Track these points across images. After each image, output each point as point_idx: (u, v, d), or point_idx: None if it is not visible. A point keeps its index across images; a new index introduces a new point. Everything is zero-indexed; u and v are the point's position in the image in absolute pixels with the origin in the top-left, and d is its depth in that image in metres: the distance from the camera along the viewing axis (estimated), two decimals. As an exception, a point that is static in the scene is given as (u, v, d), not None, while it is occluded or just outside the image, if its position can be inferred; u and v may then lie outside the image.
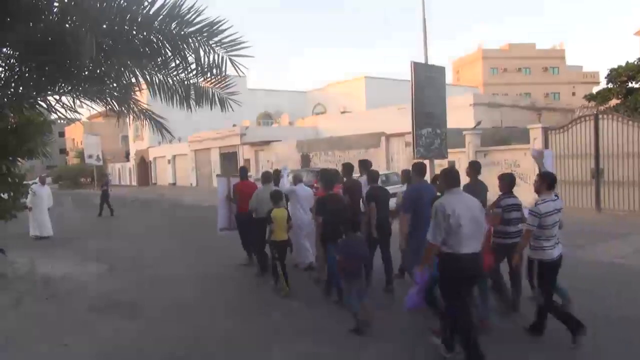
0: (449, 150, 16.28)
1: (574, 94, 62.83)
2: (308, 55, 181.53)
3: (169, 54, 6.10)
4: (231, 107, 7.14)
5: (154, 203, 24.36)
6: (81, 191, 39.24)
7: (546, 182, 4.76)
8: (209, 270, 8.62)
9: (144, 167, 45.37)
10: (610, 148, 12.87)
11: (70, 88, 5.83)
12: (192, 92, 6.90)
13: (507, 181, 5.53)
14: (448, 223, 4.06)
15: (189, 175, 37.20)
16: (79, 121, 57.31)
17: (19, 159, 7.85)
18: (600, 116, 13.30)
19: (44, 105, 5.79)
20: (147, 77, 6.66)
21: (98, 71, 6.31)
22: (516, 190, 9.75)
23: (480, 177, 6.75)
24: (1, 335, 5.71)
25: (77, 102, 5.98)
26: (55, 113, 5.82)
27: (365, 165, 7.82)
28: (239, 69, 5.45)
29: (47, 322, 6.24)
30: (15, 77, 5.62)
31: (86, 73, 5.94)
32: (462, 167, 16.53)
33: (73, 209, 23.56)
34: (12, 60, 5.58)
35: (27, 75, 5.68)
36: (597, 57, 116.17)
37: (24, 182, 7.80)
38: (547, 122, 17.20)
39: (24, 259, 9.46)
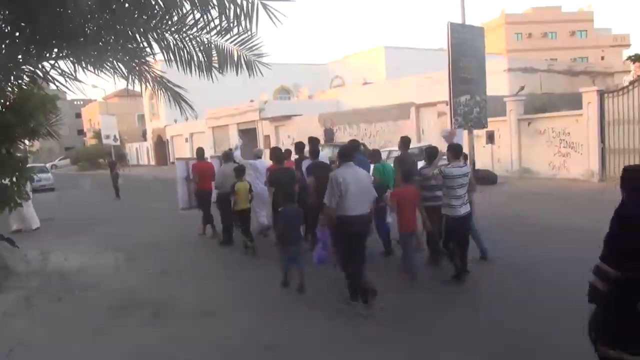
0: (488, 119, 15.05)
1: (603, 57, 59.86)
2: (323, 26, 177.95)
3: (187, 6, 5.01)
4: (260, 71, 6.07)
5: (172, 183, 23.54)
6: (100, 172, 38.78)
7: (452, 152, 5.81)
8: (228, 258, 7.91)
9: (161, 146, 44.68)
10: (678, 111, 11.45)
11: (68, 52, 4.80)
12: (214, 54, 5.83)
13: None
14: (339, 189, 4.86)
15: (207, 153, 36.30)
16: (94, 100, 56.86)
17: (21, 140, 6.90)
18: (665, 76, 11.83)
19: (39, 74, 4.78)
20: (161, 38, 5.60)
21: (102, 32, 5.27)
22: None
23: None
24: (7, 342, 4.86)
25: (79, 68, 4.96)
26: (53, 82, 4.81)
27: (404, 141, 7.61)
28: (275, 17, 4.33)
29: (60, 326, 5.39)
30: (3, 36, 4.61)
31: (88, 32, 4.90)
32: (503, 137, 15.49)
33: (90, 192, 22.96)
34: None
35: (16, 36, 4.66)
36: (627, 18, 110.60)
37: (27, 166, 6.84)
38: (585, 87, 15.52)
39: (37, 251, 8.65)
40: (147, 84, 5.75)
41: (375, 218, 6.23)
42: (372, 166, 7.43)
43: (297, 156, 8.49)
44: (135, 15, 5.34)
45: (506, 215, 9.79)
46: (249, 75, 6.14)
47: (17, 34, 4.76)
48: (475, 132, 15.26)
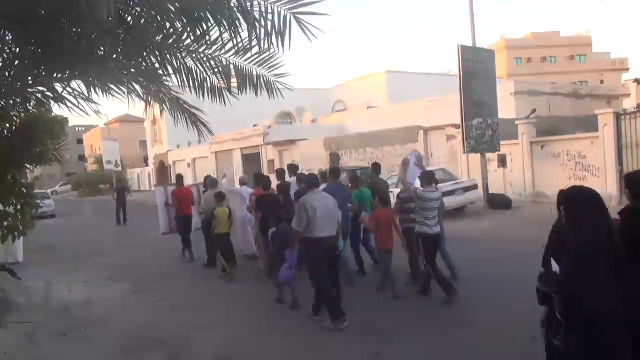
0: (500, 142, 14.77)
1: (602, 81, 60.23)
2: (324, 51, 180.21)
3: (211, 22, 4.71)
4: (280, 92, 5.75)
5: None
6: (101, 198, 38.39)
7: (424, 178, 6.50)
8: (238, 288, 7.34)
9: (163, 171, 44.39)
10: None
11: (82, 71, 4.49)
12: (233, 74, 5.52)
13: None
14: (307, 214, 5.34)
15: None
16: (96, 126, 56.87)
17: (28, 165, 6.56)
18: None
19: (50, 95, 4.47)
20: (176, 58, 5.31)
21: (119, 50, 4.96)
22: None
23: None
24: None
25: (91, 89, 4.64)
26: (64, 103, 4.49)
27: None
28: (310, 32, 4.00)
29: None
30: (12, 57, 4.31)
31: (103, 51, 4.60)
32: (515, 160, 15.17)
33: (92, 218, 22.55)
34: (4, 33, 4.27)
35: (27, 56, 4.36)
36: (625, 42, 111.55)
37: (33, 193, 6.49)
38: (591, 110, 15.28)
39: (39, 282, 8.20)
40: (164, 105, 5.43)
41: (351, 239, 7.39)
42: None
43: (278, 182, 8.80)
44: (151, 35, 5.05)
45: (530, 241, 9.38)
46: (269, 96, 5.83)
47: (29, 54, 4.46)
48: (488, 155, 14.98)
